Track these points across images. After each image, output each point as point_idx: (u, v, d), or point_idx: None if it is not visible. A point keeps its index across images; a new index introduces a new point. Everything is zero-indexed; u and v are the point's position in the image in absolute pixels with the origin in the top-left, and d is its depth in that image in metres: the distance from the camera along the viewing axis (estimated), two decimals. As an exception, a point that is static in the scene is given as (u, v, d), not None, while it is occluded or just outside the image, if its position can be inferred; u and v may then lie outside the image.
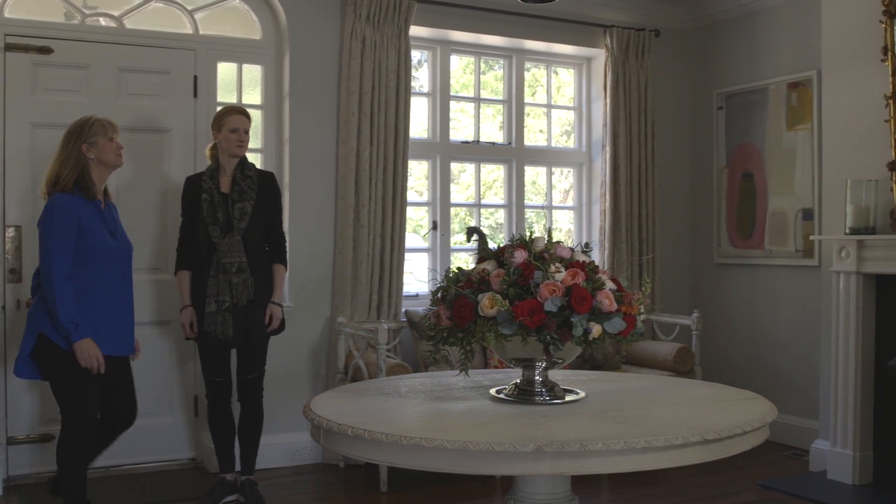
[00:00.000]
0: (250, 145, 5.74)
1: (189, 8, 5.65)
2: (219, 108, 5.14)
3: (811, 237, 5.99)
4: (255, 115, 5.80)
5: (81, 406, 3.93)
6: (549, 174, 7.03)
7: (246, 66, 5.82)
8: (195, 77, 5.62)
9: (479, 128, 6.70)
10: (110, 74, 5.42)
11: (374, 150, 5.81)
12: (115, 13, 5.49)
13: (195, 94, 5.62)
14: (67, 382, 3.91)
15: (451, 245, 6.54)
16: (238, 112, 4.82)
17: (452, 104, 6.59)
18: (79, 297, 3.87)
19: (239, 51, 5.78)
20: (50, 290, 3.81)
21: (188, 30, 5.65)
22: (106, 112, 5.30)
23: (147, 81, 5.51)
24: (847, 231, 5.26)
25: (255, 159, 5.80)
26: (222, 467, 4.91)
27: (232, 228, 4.66)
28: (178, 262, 4.85)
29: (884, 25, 5.17)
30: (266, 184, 4.84)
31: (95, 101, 5.34)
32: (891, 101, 5.15)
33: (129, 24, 5.52)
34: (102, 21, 5.49)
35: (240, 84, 5.80)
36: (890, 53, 5.15)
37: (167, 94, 5.54)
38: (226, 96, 5.74)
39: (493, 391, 3.04)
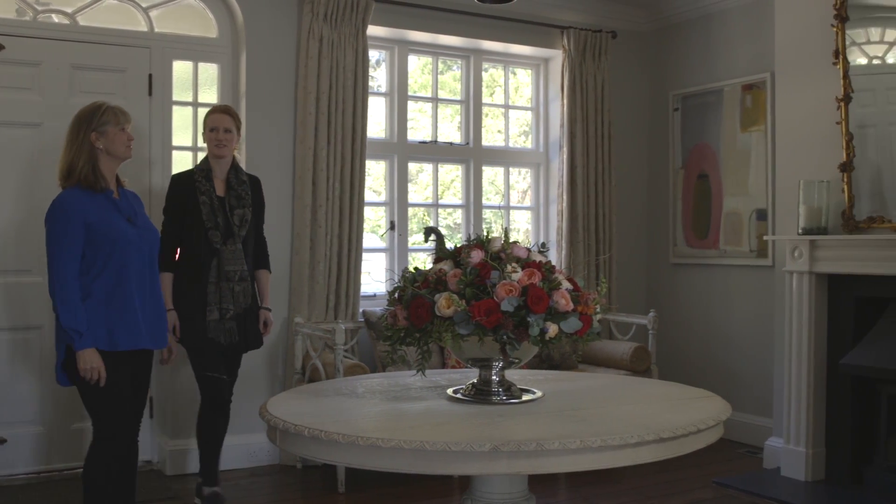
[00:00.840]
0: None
1: (144, 5, 5.59)
2: None
3: (765, 237, 6.06)
4: (212, 114, 5.76)
5: (114, 416, 3.64)
6: (507, 174, 7.05)
7: (202, 65, 5.77)
8: (150, 75, 5.56)
9: (436, 128, 6.70)
10: (63, 72, 5.34)
11: (331, 150, 5.79)
12: (69, 10, 5.41)
13: (150, 93, 5.56)
14: (99, 392, 3.60)
15: (409, 245, 6.53)
16: (219, 110, 4.65)
17: (410, 104, 6.59)
18: (108, 297, 3.61)
19: (195, 49, 5.73)
20: (53, 293, 3.57)
21: (143, 27, 5.59)
22: (57, 110, 5.28)
23: (101, 79, 5.44)
24: (800, 231, 5.33)
25: (211, 158, 5.77)
26: (212, 480, 4.71)
27: (232, 235, 4.53)
28: (160, 263, 4.33)
29: (835, 29, 5.25)
30: (256, 189, 4.75)
31: (48, 99, 5.27)
32: (842, 104, 5.23)
33: (82, 20, 5.44)
34: (55, 17, 5.41)
35: (195, 83, 5.75)
36: (841, 57, 5.23)
37: (121, 92, 5.46)
38: (181, 95, 5.69)
39: (450, 391, 3.04)
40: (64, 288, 3.55)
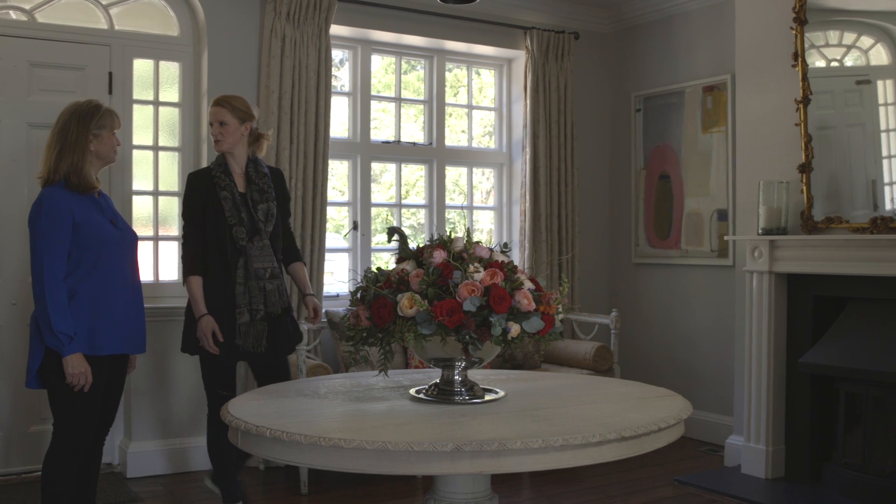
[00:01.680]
0: (167, 143, 5.70)
1: (104, 3, 5.53)
2: None
3: (725, 237, 6.12)
4: (173, 113, 5.72)
5: (81, 421, 3.55)
6: (471, 175, 7.06)
7: (163, 63, 5.72)
8: (110, 73, 5.51)
9: (400, 128, 6.69)
10: (21, 69, 5.27)
11: (293, 150, 5.77)
12: (27, 6, 5.34)
13: (110, 91, 5.50)
14: (72, 396, 3.50)
15: (372, 245, 6.52)
16: (214, 103, 4.25)
17: (374, 104, 6.58)
18: (93, 299, 3.51)
19: (156, 47, 5.68)
20: (42, 296, 3.42)
21: (103, 25, 5.53)
22: (16, 108, 5.22)
23: (60, 77, 5.38)
24: (760, 231, 5.38)
25: (172, 158, 5.72)
26: (231, 497, 4.34)
27: (258, 231, 4.18)
28: (187, 266, 4.18)
29: (794, 32, 5.31)
30: (278, 181, 4.39)
31: (6, 97, 5.21)
32: (801, 106, 5.29)
33: (41, 17, 5.37)
34: (13, 14, 5.33)
35: (157, 81, 5.70)
36: (800, 59, 5.29)
37: (81, 90, 5.39)
38: (142, 94, 5.63)
39: (412, 391, 3.04)
40: (52, 290, 3.43)
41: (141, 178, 5.64)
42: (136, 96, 5.60)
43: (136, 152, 5.61)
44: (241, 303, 4.11)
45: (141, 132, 5.65)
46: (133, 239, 3.80)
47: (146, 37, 5.64)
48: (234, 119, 4.21)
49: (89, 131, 3.57)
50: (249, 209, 4.19)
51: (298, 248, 4.59)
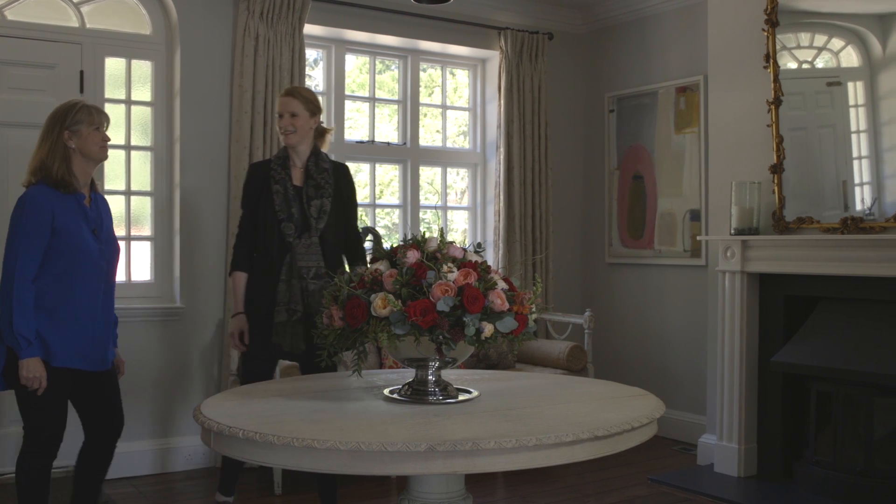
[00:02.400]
0: (140, 143, 5.66)
1: (75, 0, 5.48)
2: None
3: (698, 237, 6.15)
4: (145, 113, 5.68)
5: (51, 421, 3.52)
6: (445, 175, 7.06)
7: (135, 62, 5.68)
8: (81, 72, 5.46)
9: (374, 127, 6.68)
10: (-9, 68, 5.23)
11: (267, 149, 5.74)
12: (-4, 4, 5.30)
13: (81, 90, 5.45)
14: (37, 397, 3.46)
15: (347, 245, 6.49)
16: (284, 93, 4.15)
17: (348, 104, 6.56)
18: (53, 308, 3.47)
19: (128, 46, 5.63)
20: (8, 294, 3.40)
21: (74, 23, 5.48)
22: (-14, 107, 5.16)
23: (30, 75, 5.32)
24: (732, 232, 5.42)
25: (144, 157, 5.68)
26: (229, 489, 4.28)
27: (309, 228, 4.03)
28: (234, 260, 4.14)
29: (766, 33, 5.35)
30: (341, 178, 4.22)
31: (-25, 96, 5.15)
32: (773, 107, 5.33)
33: (10, 15, 5.32)
34: (-18, 12, 5.29)
35: (129, 80, 5.65)
36: (772, 61, 5.33)
37: (52, 89, 5.35)
38: (114, 92, 5.59)
39: (386, 391, 3.04)
40: (21, 291, 3.41)
41: (113, 177, 5.59)
42: (107, 95, 5.55)
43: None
44: (281, 301, 3.99)
45: (113, 131, 5.51)
46: (113, 252, 3.72)
47: (118, 35, 5.60)
48: (305, 111, 4.11)
49: (64, 128, 3.55)
50: (302, 204, 4.06)
51: (364, 253, 4.35)
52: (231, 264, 4.17)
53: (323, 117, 4.31)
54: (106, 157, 3.73)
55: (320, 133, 4.24)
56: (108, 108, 5.55)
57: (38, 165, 3.55)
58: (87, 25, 5.52)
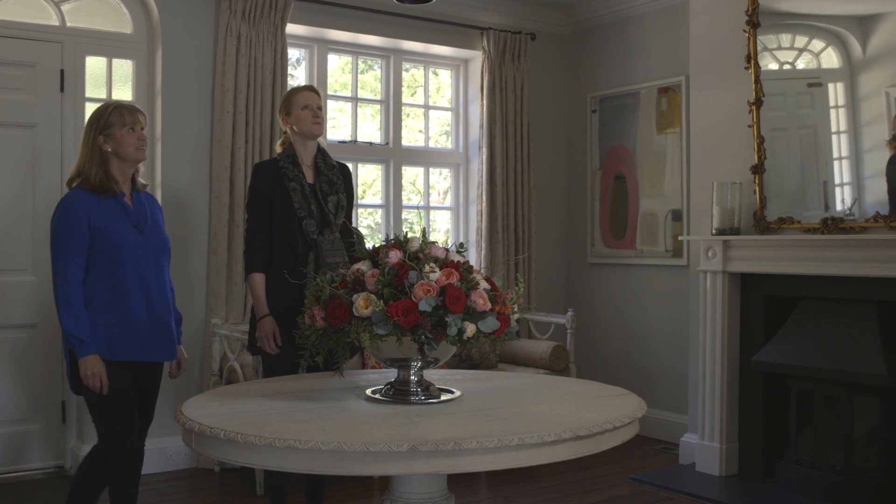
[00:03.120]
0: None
1: (55, -1, 5.46)
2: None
3: (680, 238, 6.18)
4: (126, 112, 5.64)
5: (116, 423, 3.51)
6: (427, 174, 7.06)
7: (116, 61, 5.65)
8: (62, 71, 5.43)
9: (356, 127, 6.67)
10: (-30, 67, 5.19)
11: (249, 149, 5.73)
12: (-25, 3, 5.26)
13: (62, 89, 5.43)
14: (100, 399, 3.47)
15: (329, 245, 6.48)
16: (306, 88, 4.18)
17: (331, 103, 6.55)
18: (107, 304, 3.46)
19: (109, 45, 5.60)
20: (56, 298, 3.43)
21: (54, 21, 5.45)
22: (-35, 106, 5.13)
23: (10, 74, 5.29)
24: (713, 232, 5.44)
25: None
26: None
27: (329, 224, 4.02)
28: (250, 263, 4.04)
29: (747, 35, 5.37)
30: (345, 176, 4.24)
31: (-47, 95, 5.11)
32: (754, 108, 5.35)
33: (-10, 14, 5.30)
34: (-39, 11, 5.25)
35: (109, 79, 5.62)
36: (753, 61, 5.35)
37: (32, 87, 5.33)
38: (94, 91, 5.56)
39: (368, 391, 3.03)
40: (66, 292, 3.41)
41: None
42: (88, 94, 5.52)
43: (88, 151, 5.53)
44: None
45: (93, 131, 5.56)
46: (160, 245, 3.67)
47: (99, 34, 5.57)
48: (322, 108, 4.20)
49: (98, 132, 3.53)
50: (319, 201, 4.06)
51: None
52: (246, 267, 4.08)
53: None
54: (144, 157, 3.65)
55: None
56: (89, 108, 5.52)
57: (77, 171, 3.56)
58: (68, 24, 5.49)
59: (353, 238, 4.09)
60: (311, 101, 4.10)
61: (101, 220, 3.47)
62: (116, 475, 3.62)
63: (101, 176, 3.51)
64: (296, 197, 3.99)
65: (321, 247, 3.97)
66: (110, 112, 3.55)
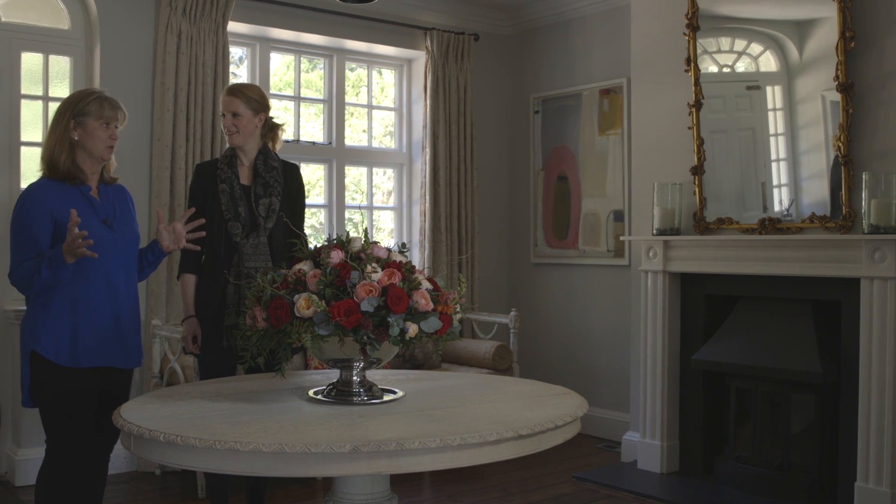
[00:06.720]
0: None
1: (-11, -6, 5.35)
2: None
3: (621, 238, 6.23)
4: (63, 109, 5.54)
5: (71, 435, 3.26)
6: (371, 174, 7.04)
7: (53, 57, 5.54)
8: (-4, 67, 5.32)
9: (299, 127, 6.63)
10: None
11: (190, 148, 5.66)
12: None
13: (-4, 86, 5.31)
14: (57, 404, 3.24)
15: (272, 245, 6.43)
16: (226, 92, 3.98)
17: (274, 102, 6.48)
18: (74, 303, 3.23)
19: (45, 41, 5.50)
20: (17, 282, 3.18)
21: (-12, 17, 5.34)
22: None
23: (-58, 71, 5.18)
24: (654, 232, 5.50)
25: (62, 155, 5.55)
26: None
27: (257, 227, 3.91)
28: (182, 263, 3.97)
29: (687, 38, 5.44)
30: (290, 177, 4.12)
31: None
32: (693, 110, 5.43)
33: (-79, 8, 5.17)
34: None
35: (46, 76, 5.52)
36: (693, 64, 5.42)
37: (-35, 84, 5.22)
38: (31, 88, 5.45)
39: (310, 392, 3.01)
40: (20, 278, 3.18)
41: (30, 175, 5.44)
42: (24, 91, 5.42)
43: (24, 149, 5.42)
44: (231, 303, 3.84)
45: (29, 128, 5.46)
46: (129, 241, 3.44)
47: (35, 29, 5.46)
48: (248, 110, 3.95)
49: (70, 116, 3.27)
50: (250, 203, 3.94)
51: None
52: (179, 267, 4.01)
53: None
54: (109, 157, 3.40)
55: (270, 129, 4.11)
56: (25, 104, 5.43)
57: (47, 157, 3.29)
58: (3, 19, 5.37)
59: (295, 239, 4.10)
60: (224, 107, 3.96)
61: (64, 213, 3.19)
62: (67, 487, 3.33)
63: (69, 164, 3.27)
64: (223, 199, 3.91)
65: (243, 251, 3.88)
66: (91, 100, 3.31)
